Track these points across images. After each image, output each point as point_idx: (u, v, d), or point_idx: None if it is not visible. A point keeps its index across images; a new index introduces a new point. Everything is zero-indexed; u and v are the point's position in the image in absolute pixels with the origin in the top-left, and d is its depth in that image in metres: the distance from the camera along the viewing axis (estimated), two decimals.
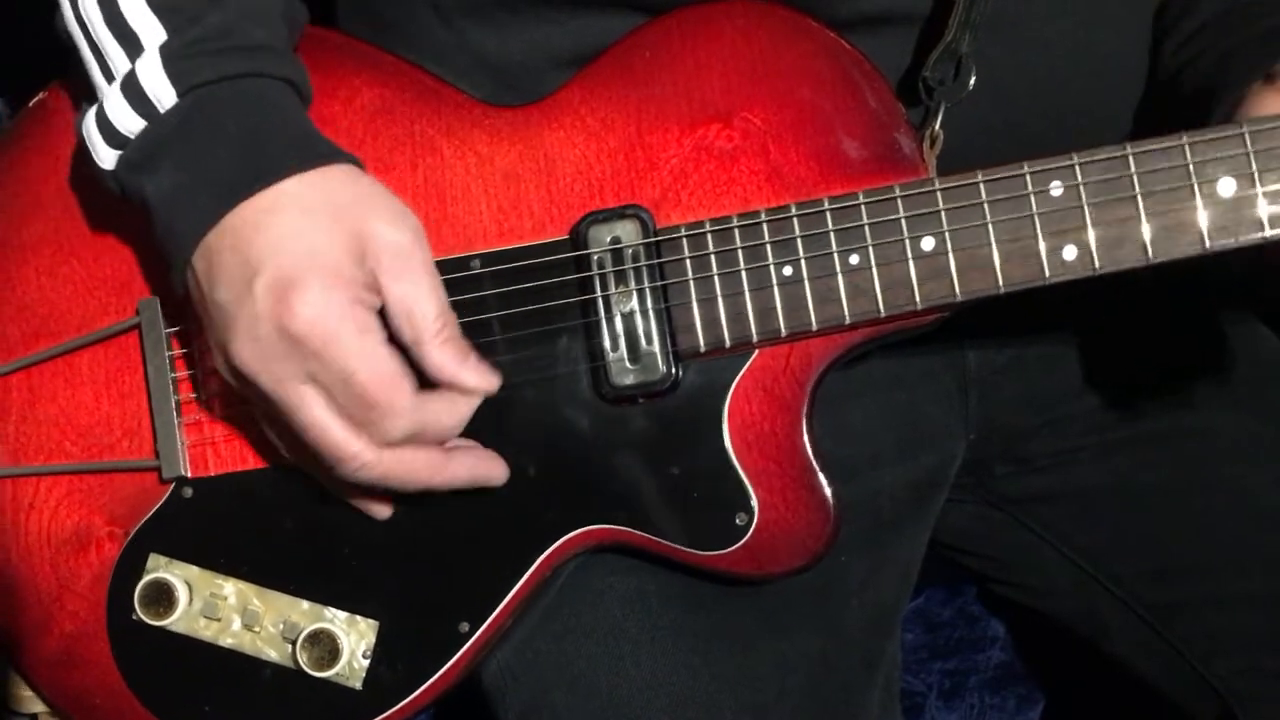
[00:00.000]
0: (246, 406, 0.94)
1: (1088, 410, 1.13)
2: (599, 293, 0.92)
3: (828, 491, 0.92)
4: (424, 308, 0.85)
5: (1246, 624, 1.10)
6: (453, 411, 0.87)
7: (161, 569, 0.96)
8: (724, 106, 0.93)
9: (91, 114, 0.89)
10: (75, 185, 0.99)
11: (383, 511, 0.93)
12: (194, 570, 0.96)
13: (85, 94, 0.91)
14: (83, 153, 0.91)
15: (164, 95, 0.86)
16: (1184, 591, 1.11)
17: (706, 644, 0.99)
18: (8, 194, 1.00)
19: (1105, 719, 1.35)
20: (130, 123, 0.87)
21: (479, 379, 0.87)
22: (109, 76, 0.88)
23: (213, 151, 0.86)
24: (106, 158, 0.89)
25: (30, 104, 1.01)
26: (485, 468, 0.91)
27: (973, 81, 0.94)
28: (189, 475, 0.96)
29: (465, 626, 0.93)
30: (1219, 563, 1.10)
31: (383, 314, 0.86)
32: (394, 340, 0.86)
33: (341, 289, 0.83)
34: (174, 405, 0.96)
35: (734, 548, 0.92)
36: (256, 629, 0.95)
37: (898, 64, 0.97)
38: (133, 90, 0.87)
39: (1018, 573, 1.21)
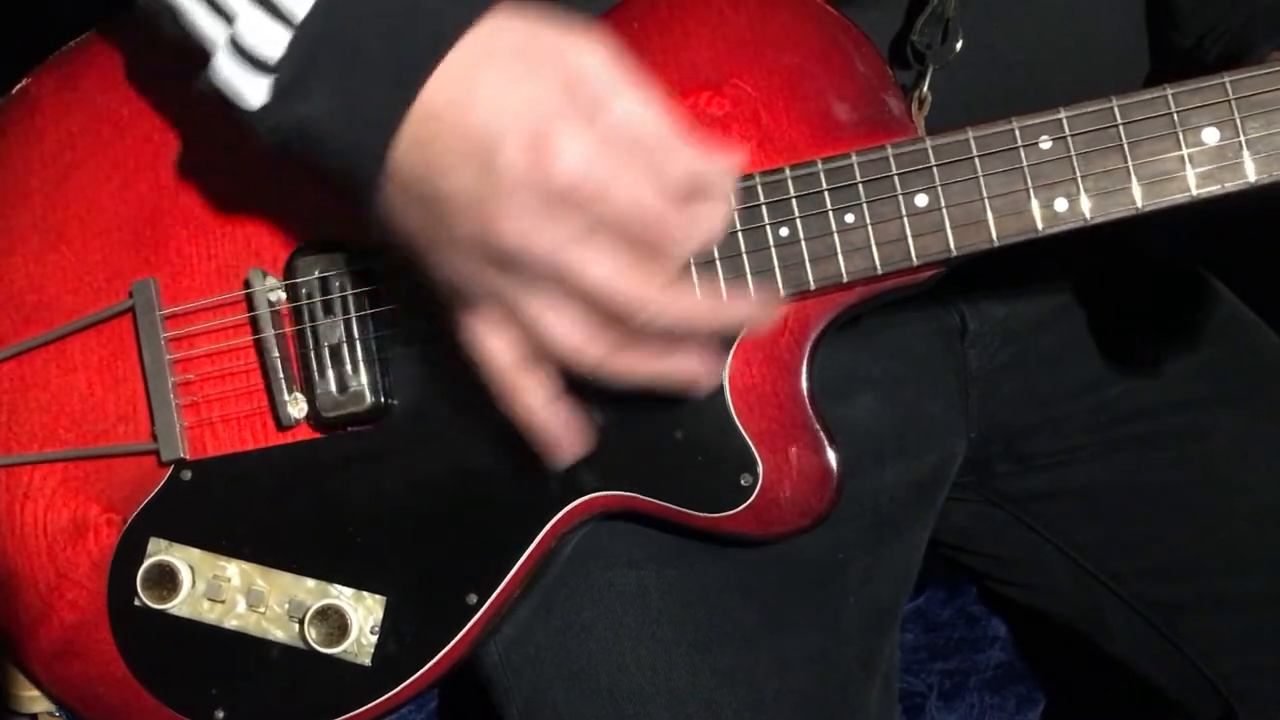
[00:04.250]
0: (247, 378, 0.94)
1: (1088, 409, 1.13)
2: None
3: (830, 450, 0.92)
4: (650, 118, 0.76)
5: (1248, 623, 1.10)
6: (713, 212, 0.78)
7: (163, 552, 0.95)
8: (714, 74, 0.93)
9: (222, 55, 0.79)
10: (61, 172, 0.98)
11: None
12: (195, 553, 0.95)
13: (182, 56, 0.81)
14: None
15: (295, 4, 0.77)
16: (1185, 590, 1.11)
17: (707, 641, 0.99)
18: None
19: (1105, 719, 1.35)
20: (272, 35, 0.77)
21: (728, 158, 0.79)
22: (227, 16, 0.79)
23: (369, 45, 0.76)
24: (254, 92, 0.78)
25: (13, 91, 1.00)
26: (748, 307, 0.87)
27: (959, 45, 0.96)
28: (188, 457, 0.95)
29: (473, 598, 0.93)
30: (1220, 562, 1.10)
31: None
32: None
33: (588, 128, 0.75)
34: (171, 387, 0.95)
35: (740, 509, 0.92)
36: (262, 609, 0.94)
37: (888, 31, 0.98)
38: (267, 5, 0.77)
39: (1018, 571, 1.20)
